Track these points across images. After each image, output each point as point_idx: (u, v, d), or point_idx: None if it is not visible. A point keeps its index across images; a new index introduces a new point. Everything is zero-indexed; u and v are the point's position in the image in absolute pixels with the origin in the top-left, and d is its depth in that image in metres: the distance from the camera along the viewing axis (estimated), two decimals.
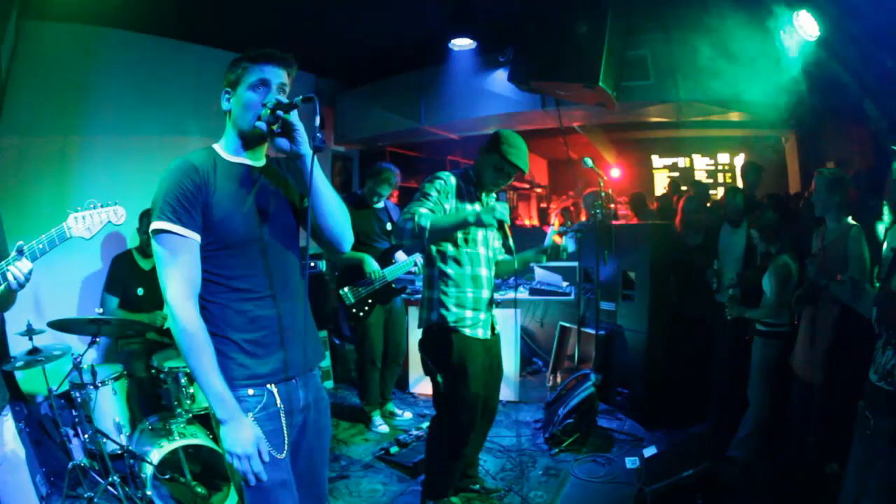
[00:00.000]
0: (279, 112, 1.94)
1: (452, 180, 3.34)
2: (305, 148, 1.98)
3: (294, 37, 5.52)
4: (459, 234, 3.34)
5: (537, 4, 5.28)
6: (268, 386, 2.01)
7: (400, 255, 5.07)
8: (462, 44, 6.22)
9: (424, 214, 3.12)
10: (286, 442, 2.03)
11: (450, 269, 3.39)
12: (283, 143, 1.99)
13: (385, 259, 5.00)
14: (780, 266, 4.00)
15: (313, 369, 2.22)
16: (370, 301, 4.93)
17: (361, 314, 4.91)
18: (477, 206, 3.37)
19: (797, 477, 3.75)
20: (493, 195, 3.59)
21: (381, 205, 5.12)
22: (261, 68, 2.01)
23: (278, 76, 2.02)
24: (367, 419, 5.23)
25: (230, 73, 2.06)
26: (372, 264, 4.86)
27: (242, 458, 1.87)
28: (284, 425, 2.03)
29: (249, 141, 2.06)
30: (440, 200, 3.26)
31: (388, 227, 5.14)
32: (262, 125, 1.98)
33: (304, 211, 2.17)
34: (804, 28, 4.19)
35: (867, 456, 2.47)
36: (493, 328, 3.56)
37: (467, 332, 3.37)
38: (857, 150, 5.07)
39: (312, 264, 6.07)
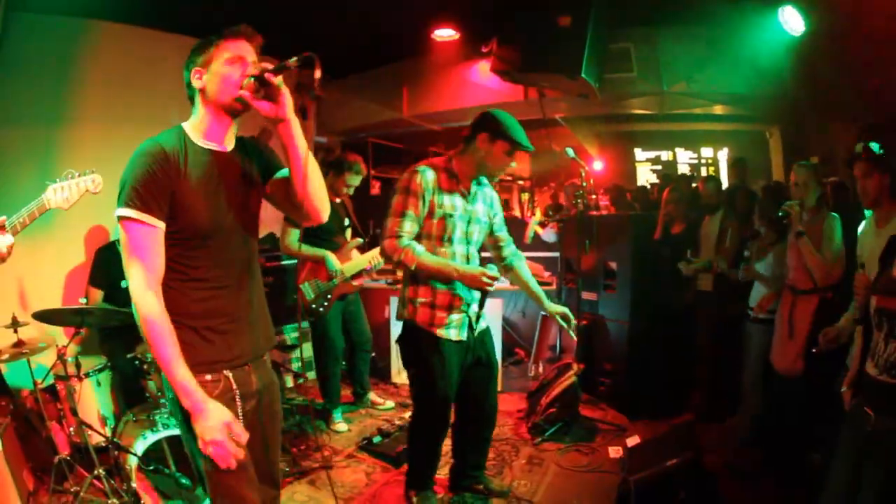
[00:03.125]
0: (264, 75, 1.92)
1: (430, 174, 3.22)
2: (290, 112, 1.96)
3: (276, 27, 5.43)
4: (433, 232, 3.25)
5: None
6: (224, 371, 2.04)
7: (355, 252, 5.01)
8: (445, 34, 6.22)
9: (413, 248, 3.12)
10: (241, 426, 1.99)
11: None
12: (265, 106, 1.95)
13: (342, 254, 4.93)
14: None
15: (264, 355, 2.26)
16: (329, 296, 4.91)
17: (321, 309, 4.87)
18: (458, 201, 3.28)
19: (779, 467, 3.82)
20: (483, 185, 3.47)
21: (338, 200, 5.02)
22: (235, 45, 2.01)
23: (250, 53, 2.03)
24: (328, 416, 5.12)
25: (199, 54, 2.04)
26: (334, 263, 4.80)
27: (218, 444, 1.87)
28: (240, 410, 2.06)
29: (225, 117, 2.06)
30: (421, 206, 3.18)
31: (346, 222, 5.07)
32: (245, 93, 1.95)
33: (276, 183, 2.21)
34: (789, 23, 4.23)
35: (863, 452, 2.33)
36: (471, 328, 3.41)
37: (437, 332, 3.29)
38: (841, 145, 5.14)
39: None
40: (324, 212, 2.20)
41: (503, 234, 3.67)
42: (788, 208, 3.71)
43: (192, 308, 2.00)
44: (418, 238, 3.24)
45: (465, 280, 3.15)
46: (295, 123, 1.99)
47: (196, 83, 2.04)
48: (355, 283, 5.02)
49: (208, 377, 1.99)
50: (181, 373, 1.86)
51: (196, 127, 2.06)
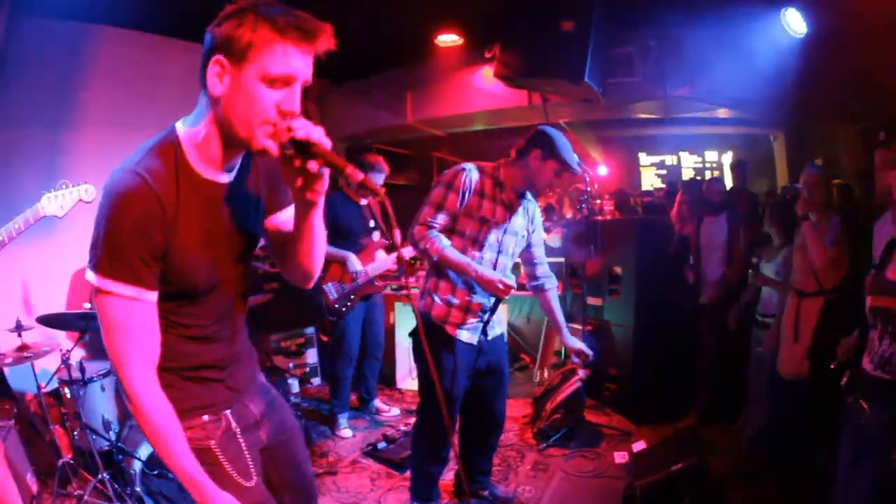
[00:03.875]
0: (311, 153, 1.43)
1: (476, 175, 3.24)
2: (320, 197, 1.55)
3: None
4: (467, 231, 3.25)
5: (523, 0, 5.29)
6: (224, 411, 1.79)
7: (380, 253, 5.04)
8: (448, 40, 6.23)
9: (440, 239, 3.14)
10: (251, 464, 1.82)
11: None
12: (293, 177, 1.50)
13: (367, 255, 4.98)
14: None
15: (255, 377, 2.00)
16: (352, 297, 4.92)
17: (344, 309, 4.89)
18: (498, 209, 3.26)
19: (785, 470, 3.80)
20: (527, 199, 3.45)
21: (364, 201, 5.07)
22: (287, 51, 1.41)
23: (307, 69, 1.46)
24: (333, 422, 5.12)
25: (232, 29, 1.39)
26: (356, 263, 4.83)
27: None
28: (245, 447, 1.82)
29: (235, 149, 1.57)
30: (458, 203, 3.19)
31: (371, 224, 5.09)
32: (272, 147, 1.46)
33: (276, 225, 1.86)
34: (792, 25, 4.23)
35: (860, 445, 2.46)
36: (484, 332, 3.40)
37: (449, 330, 3.29)
38: (844, 148, 5.14)
39: None
40: (304, 281, 1.87)
41: (539, 252, 3.64)
42: (791, 191, 3.72)
43: (185, 361, 1.70)
44: (450, 233, 3.25)
45: (481, 281, 3.14)
46: (320, 208, 1.62)
47: (215, 85, 1.44)
48: (379, 283, 5.10)
49: (206, 418, 1.74)
50: (188, 467, 1.55)
51: (197, 144, 1.55)
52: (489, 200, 3.25)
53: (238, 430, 1.81)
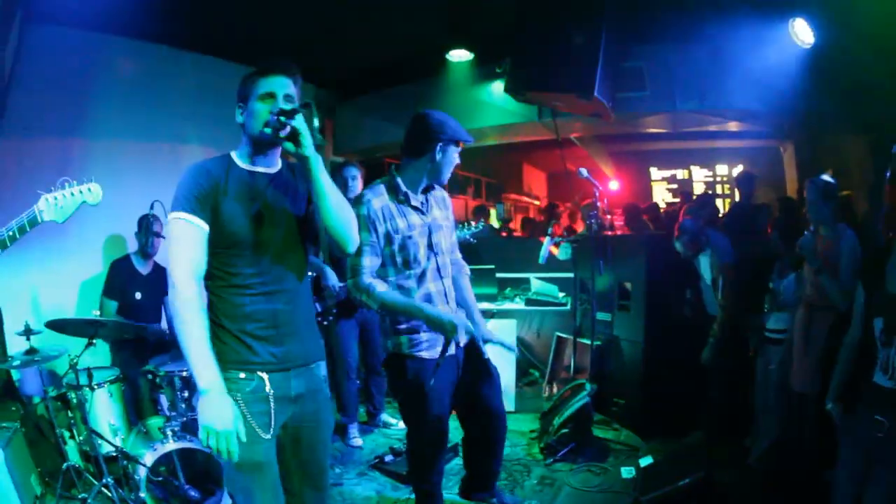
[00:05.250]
0: (282, 118, 2.03)
1: (376, 203, 3.04)
2: (310, 150, 2.06)
3: (293, 48, 5.55)
4: (398, 257, 3.07)
5: (533, 15, 5.33)
6: (259, 373, 2.15)
7: None
8: (459, 55, 6.28)
9: (372, 288, 2.95)
10: (272, 424, 2.15)
11: None
12: (290, 146, 2.06)
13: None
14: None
15: (311, 364, 2.33)
16: (334, 311, 4.88)
17: (326, 323, 4.86)
18: (413, 218, 3.10)
19: (793, 485, 3.75)
20: (431, 190, 3.28)
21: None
22: (268, 80, 2.15)
23: (284, 86, 2.15)
24: (344, 432, 5.10)
25: (241, 89, 2.21)
26: (330, 278, 4.77)
27: (219, 435, 1.95)
28: (273, 409, 2.16)
29: (260, 147, 2.21)
30: (375, 237, 3.02)
31: None
32: (268, 130, 2.08)
33: (312, 212, 2.30)
34: (800, 36, 4.23)
35: (879, 456, 2.49)
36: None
37: (424, 354, 3.11)
38: (855, 159, 5.09)
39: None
40: (347, 244, 2.28)
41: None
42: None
43: (230, 311, 2.15)
44: (383, 266, 3.09)
45: (431, 324, 2.97)
46: (315, 160, 2.08)
47: (238, 118, 2.22)
48: None
49: (242, 375, 2.13)
50: (202, 352, 2.00)
51: (241, 154, 2.24)
52: (400, 217, 3.08)
53: (271, 393, 2.15)
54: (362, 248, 2.94)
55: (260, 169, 2.24)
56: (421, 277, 3.13)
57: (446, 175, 3.21)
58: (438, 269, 3.20)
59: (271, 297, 2.19)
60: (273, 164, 2.29)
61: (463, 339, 2.93)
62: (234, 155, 2.25)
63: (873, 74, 3.95)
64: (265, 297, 2.18)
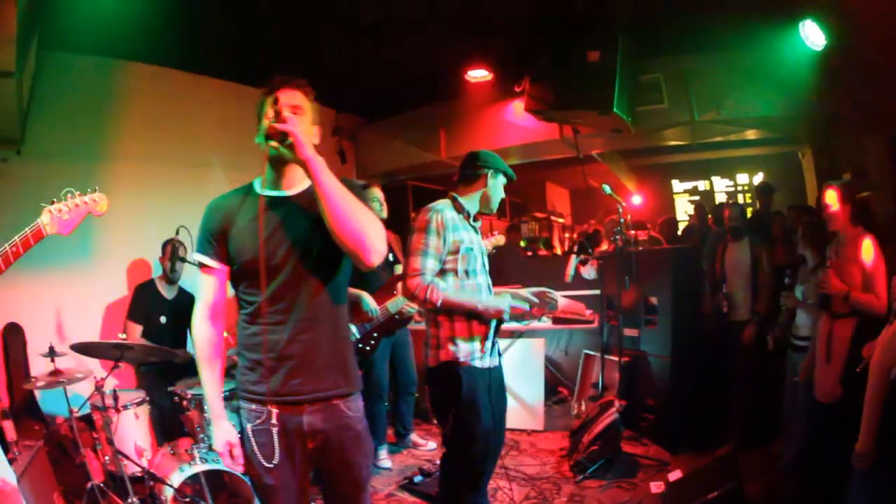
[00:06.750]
0: (274, 122, 1.98)
1: (448, 213, 3.20)
2: (307, 153, 1.94)
3: (313, 72, 5.66)
4: (459, 267, 3.20)
5: (549, 34, 5.36)
6: (268, 406, 2.13)
7: (399, 286, 5.02)
8: (478, 75, 6.32)
9: (437, 284, 3.09)
10: (276, 453, 2.13)
11: None
12: (286, 152, 1.97)
13: (387, 289, 4.91)
14: None
15: (332, 400, 2.16)
16: (375, 335, 4.92)
17: (368, 348, 4.88)
18: (473, 235, 3.29)
19: (821, 493, 3.65)
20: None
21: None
22: (271, 96, 2.12)
23: (294, 98, 2.13)
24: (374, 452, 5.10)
25: (257, 111, 2.18)
26: (369, 303, 4.79)
27: (221, 454, 2.20)
28: (277, 443, 2.13)
29: (276, 166, 2.14)
30: (442, 244, 3.14)
31: (391, 257, 5.12)
32: (261, 140, 2.04)
33: None
34: (811, 38, 4.19)
35: None
36: (499, 352, 3.36)
37: (477, 364, 3.19)
38: (873, 160, 5.01)
39: None
40: (367, 255, 2.02)
41: None
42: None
43: (244, 341, 2.18)
44: (443, 274, 3.19)
45: (489, 313, 3.13)
46: (316, 162, 1.95)
47: (257, 138, 2.13)
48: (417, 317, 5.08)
49: (252, 407, 2.16)
50: (209, 391, 2.22)
51: (263, 177, 2.20)
52: (465, 231, 3.25)
53: (277, 428, 2.12)
54: (427, 251, 3.12)
55: (279, 192, 2.15)
56: (476, 290, 3.25)
57: (495, 203, 3.41)
58: (490, 286, 3.36)
59: (278, 326, 2.09)
60: (294, 185, 2.17)
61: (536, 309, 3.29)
62: (256, 181, 2.22)
63: (887, 71, 3.89)
64: (272, 327, 2.09)
